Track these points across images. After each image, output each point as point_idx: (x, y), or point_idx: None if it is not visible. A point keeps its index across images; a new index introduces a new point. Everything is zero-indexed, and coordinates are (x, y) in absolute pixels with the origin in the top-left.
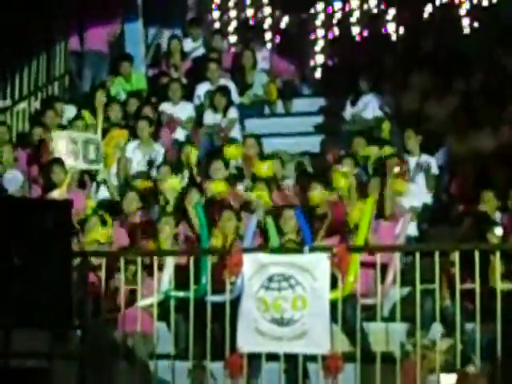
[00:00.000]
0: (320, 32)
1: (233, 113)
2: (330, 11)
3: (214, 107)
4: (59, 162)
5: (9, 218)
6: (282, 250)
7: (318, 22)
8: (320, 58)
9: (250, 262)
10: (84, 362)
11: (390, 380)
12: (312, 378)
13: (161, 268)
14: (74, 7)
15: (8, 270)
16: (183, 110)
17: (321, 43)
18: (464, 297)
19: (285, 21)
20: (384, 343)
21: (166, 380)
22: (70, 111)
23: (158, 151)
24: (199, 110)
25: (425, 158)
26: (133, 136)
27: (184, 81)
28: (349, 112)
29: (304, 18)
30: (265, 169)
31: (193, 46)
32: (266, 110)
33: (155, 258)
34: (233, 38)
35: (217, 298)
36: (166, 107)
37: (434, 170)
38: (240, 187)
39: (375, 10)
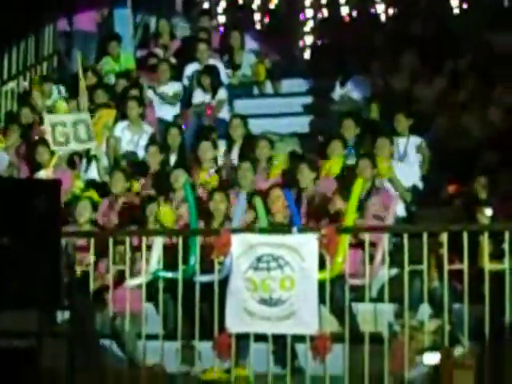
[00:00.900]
0: (309, 12)
1: (222, 94)
2: None
3: (202, 87)
4: (44, 142)
5: None
6: (270, 230)
7: (307, 3)
8: (309, 39)
9: (238, 242)
10: (72, 341)
11: (378, 360)
12: (300, 358)
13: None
14: None
15: None
16: (170, 88)
17: (310, 24)
18: (452, 277)
19: (274, 1)
20: (372, 324)
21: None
22: (57, 92)
23: (147, 131)
24: (188, 90)
25: (414, 139)
26: (121, 116)
27: (173, 61)
28: (338, 93)
29: None
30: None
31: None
32: (255, 91)
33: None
34: (221, 19)
35: (205, 278)
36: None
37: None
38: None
39: None
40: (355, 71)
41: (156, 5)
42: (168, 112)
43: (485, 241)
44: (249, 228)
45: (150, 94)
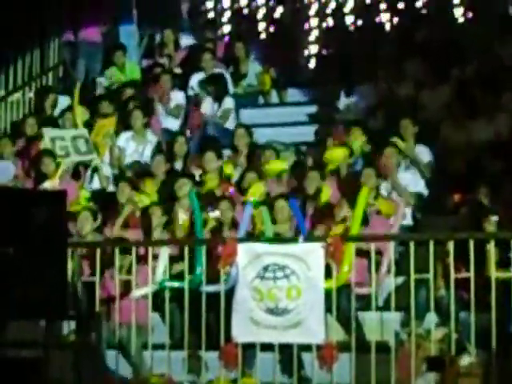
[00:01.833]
0: (314, 22)
1: (228, 103)
2: (324, 1)
3: (210, 95)
4: (49, 153)
5: (2, 208)
6: (276, 239)
7: (312, 12)
8: (314, 48)
9: (244, 251)
10: (79, 352)
11: (385, 369)
12: (307, 367)
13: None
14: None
15: (3, 261)
16: (173, 99)
17: (315, 33)
18: (459, 286)
19: (278, 11)
20: (379, 333)
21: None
22: (63, 102)
23: (151, 141)
24: (194, 100)
25: (420, 147)
26: (122, 124)
27: (178, 71)
28: (343, 102)
29: (298, 7)
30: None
31: None
32: (261, 100)
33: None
34: (226, 28)
35: (211, 288)
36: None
37: (428, 159)
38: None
39: (368, 0)
40: (360, 80)
41: (161, 17)
42: (172, 122)
43: (491, 249)
44: (255, 237)
45: (155, 103)
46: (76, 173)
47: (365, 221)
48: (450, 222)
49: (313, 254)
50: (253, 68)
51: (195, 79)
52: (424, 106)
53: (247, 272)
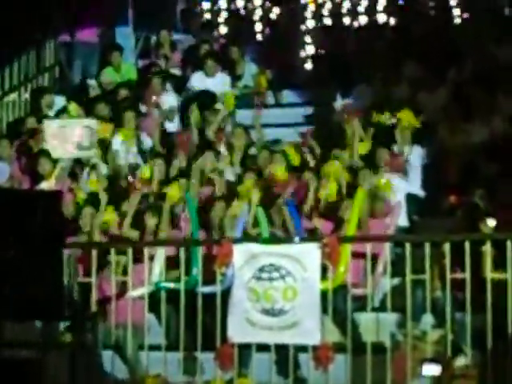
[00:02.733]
0: (310, 23)
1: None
2: (320, 1)
3: None
4: (46, 153)
5: None
6: (272, 240)
7: (308, 13)
8: (310, 49)
9: (240, 252)
10: (75, 352)
11: (381, 370)
12: (302, 368)
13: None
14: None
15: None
16: (165, 102)
17: (311, 34)
18: (454, 287)
19: (275, 12)
20: (375, 334)
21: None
22: (59, 103)
23: (144, 142)
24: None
25: (416, 148)
26: (118, 128)
27: (176, 71)
28: (339, 103)
29: (294, 8)
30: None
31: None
32: (257, 101)
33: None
34: (223, 30)
35: (207, 289)
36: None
37: (422, 161)
38: (230, 176)
39: (365, 1)
40: (357, 81)
41: (157, 19)
42: (168, 123)
43: (487, 250)
44: (251, 238)
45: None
46: (72, 173)
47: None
48: (446, 223)
49: (309, 254)
50: (249, 69)
51: (195, 79)
52: (420, 107)
53: (243, 273)
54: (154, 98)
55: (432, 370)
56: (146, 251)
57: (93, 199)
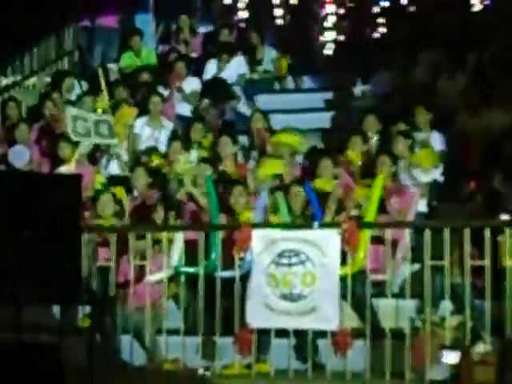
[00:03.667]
0: (330, 7)
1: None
2: None
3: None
4: (66, 137)
5: (18, 192)
6: (291, 225)
7: None
8: (331, 34)
9: (259, 237)
10: (93, 337)
11: (399, 356)
12: (321, 353)
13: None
14: None
15: (18, 245)
16: (188, 85)
17: (331, 19)
18: (474, 274)
19: None
20: (393, 319)
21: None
22: (79, 86)
23: (167, 126)
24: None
25: (435, 134)
26: (141, 112)
27: (195, 55)
28: (359, 88)
29: None
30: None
31: None
32: (277, 86)
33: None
34: (243, 14)
35: (226, 274)
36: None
37: (440, 146)
38: (251, 163)
39: None
40: (377, 66)
41: (178, 5)
42: (186, 108)
43: (506, 237)
44: (270, 223)
45: (169, 89)
46: (92, 157)
47: (381, 208)
48: (466, 209)
49: (328, 240)
50: (268, 54)
51: (210, 68)
52: (441, 92)
53: (262, 258)
54: (177, 82)
55: (451, 357)
56: (165, 236)
57: (111, 185)
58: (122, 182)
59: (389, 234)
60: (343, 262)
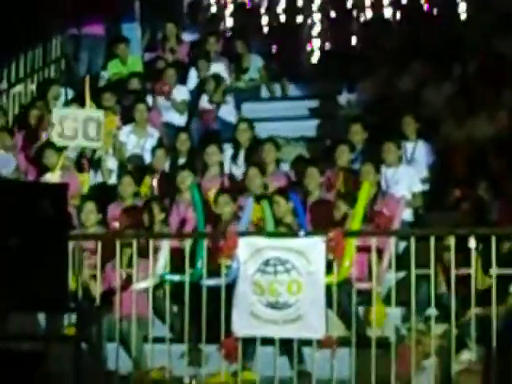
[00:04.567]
0: (316, 16)
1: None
2: None
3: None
4: (51, 145)
5: (4, 200)
6: (277, 234)
7: (315, 7)
8: (317, 42)
9: (245, 245)
10: (79, 345)
11: (385, 364)
12: (307, 362)
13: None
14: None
15: (4, 253)
16: (178, 93)
17: (317, 28)
18: (459, 282)
19: (281, 5)
20: (379, 328)
21: None
22: (65, 95)
23: (152, 134)
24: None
25: (422, 143)
26: (125, 119)
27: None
28: (345, 97)
29: (301, 1)
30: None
31: None
32: (264, 93)
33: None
34: (229, 22)
35: (212, 282)
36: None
37: (427, 156)
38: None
39: None
40: (363, 75)
41: (164, 13)
42: (174, 116)
43: (492, 245)
44: (256, 231)
45: (156, 97)
46: (79, 164)
47: (366, 217)
48: (451, 217)
49: (314, 248)
50: (254, 62)
51: (192, 76)
52: (426, 102)
53: (248, 266)
54: (166, 88)
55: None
56: (151, 243)
57: (96, 194)
58: (105, 190)
59: (374, 242)
60: (329, 270)
